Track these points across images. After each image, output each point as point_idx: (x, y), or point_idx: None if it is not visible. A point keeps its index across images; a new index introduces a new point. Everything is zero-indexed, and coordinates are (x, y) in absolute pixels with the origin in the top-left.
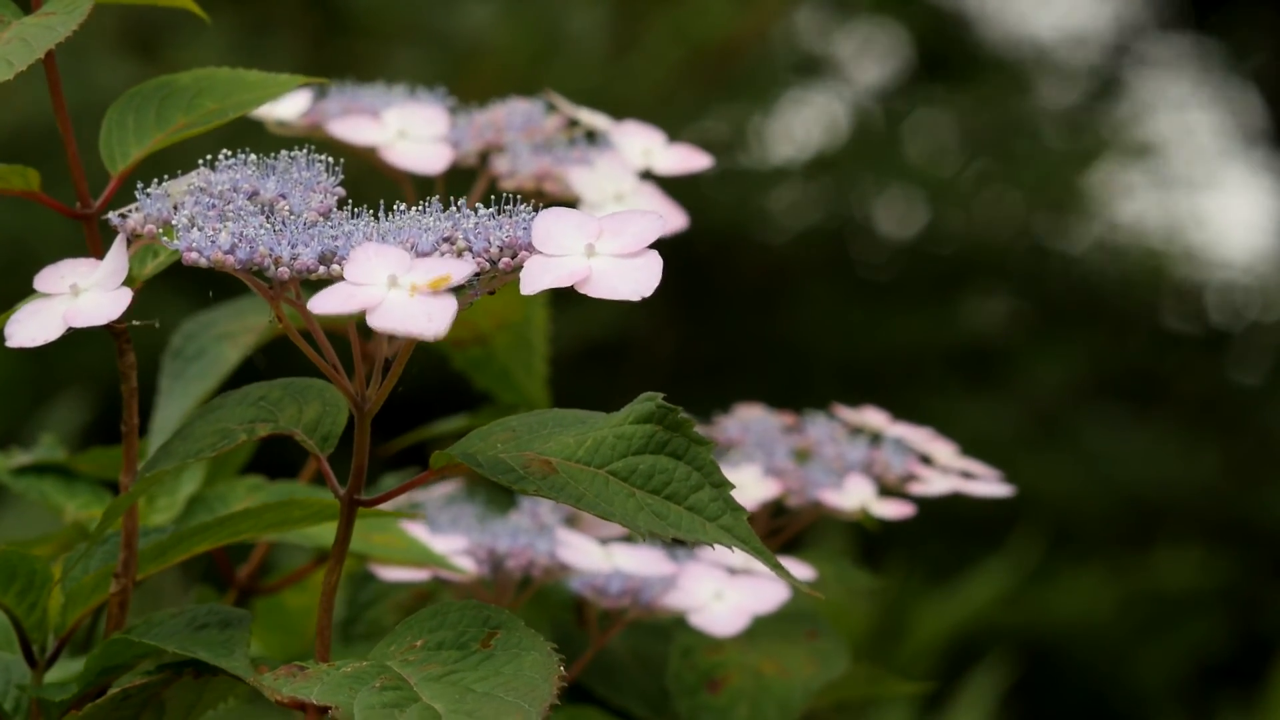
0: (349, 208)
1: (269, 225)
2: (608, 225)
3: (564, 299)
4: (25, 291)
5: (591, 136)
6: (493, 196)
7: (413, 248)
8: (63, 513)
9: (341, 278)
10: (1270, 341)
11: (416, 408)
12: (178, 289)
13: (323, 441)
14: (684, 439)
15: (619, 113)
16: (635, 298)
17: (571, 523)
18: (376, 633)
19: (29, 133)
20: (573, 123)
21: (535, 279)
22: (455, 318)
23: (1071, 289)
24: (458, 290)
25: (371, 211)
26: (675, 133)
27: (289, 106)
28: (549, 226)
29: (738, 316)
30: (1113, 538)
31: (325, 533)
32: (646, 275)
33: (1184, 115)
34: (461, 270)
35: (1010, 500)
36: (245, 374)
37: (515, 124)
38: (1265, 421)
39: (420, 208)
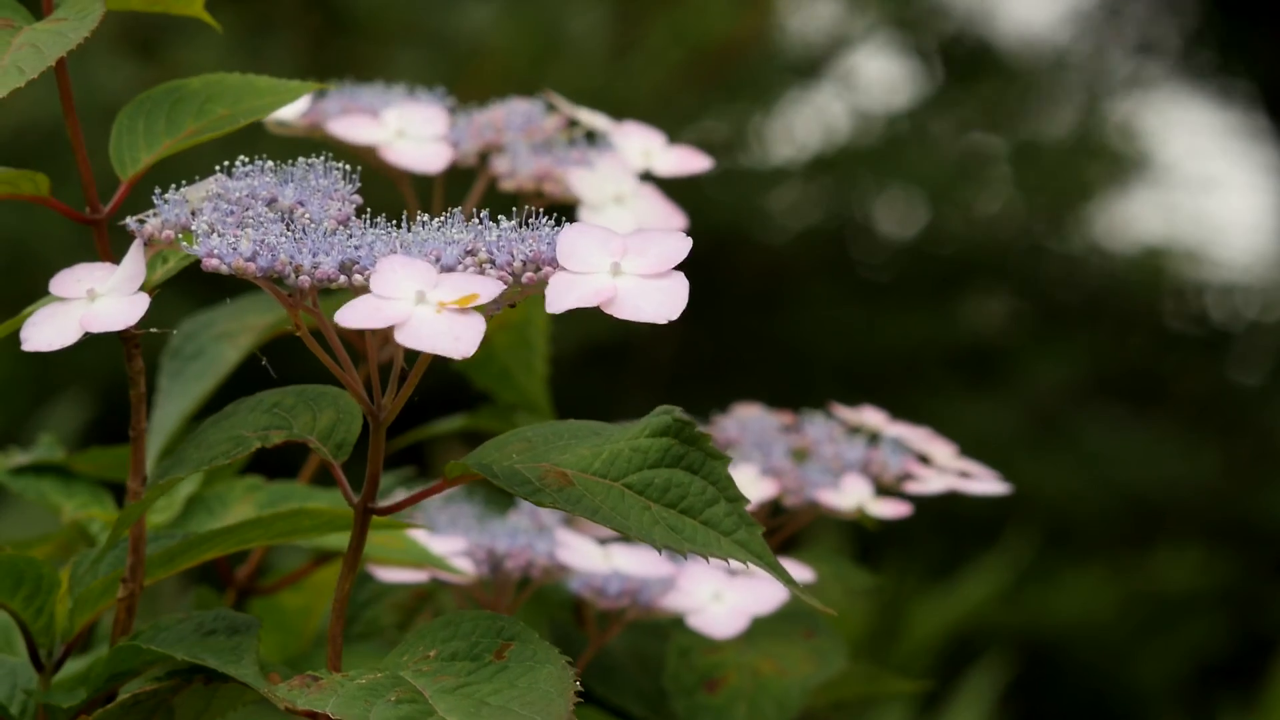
0: (367, 215)
1: (289, 233)
2: (632, 244)
3: None
4: (26, 294)
5: (591, 137)
6: (514, 208)
7: (437, 260)
8: (61, 513)
9: (362, 288)
10: (1270, 341)
11: (412, 407)
12: (182, 292)
13: (337, 449)
14: (700, 453)
15: (619, 114)
16: (661, 320)
17: (570, 523)
18: (374, 632)
19: (29, 135)
20: (572, 123)
21: (561, 297)
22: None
23: (1071, 289)
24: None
25: (394, 221)
26: (675, 133)
27: (289, 106)
28: (573, 242)
29: (738, 317)
30: (1113, 538)
31: (329, 537)
32: (673, 298)
33: (1184, 115)
34: (489, 289)
35: (1009, 500)
36: (243, 374)
37: (515, 124)
38: (1265, 421)
39: (442, 219)
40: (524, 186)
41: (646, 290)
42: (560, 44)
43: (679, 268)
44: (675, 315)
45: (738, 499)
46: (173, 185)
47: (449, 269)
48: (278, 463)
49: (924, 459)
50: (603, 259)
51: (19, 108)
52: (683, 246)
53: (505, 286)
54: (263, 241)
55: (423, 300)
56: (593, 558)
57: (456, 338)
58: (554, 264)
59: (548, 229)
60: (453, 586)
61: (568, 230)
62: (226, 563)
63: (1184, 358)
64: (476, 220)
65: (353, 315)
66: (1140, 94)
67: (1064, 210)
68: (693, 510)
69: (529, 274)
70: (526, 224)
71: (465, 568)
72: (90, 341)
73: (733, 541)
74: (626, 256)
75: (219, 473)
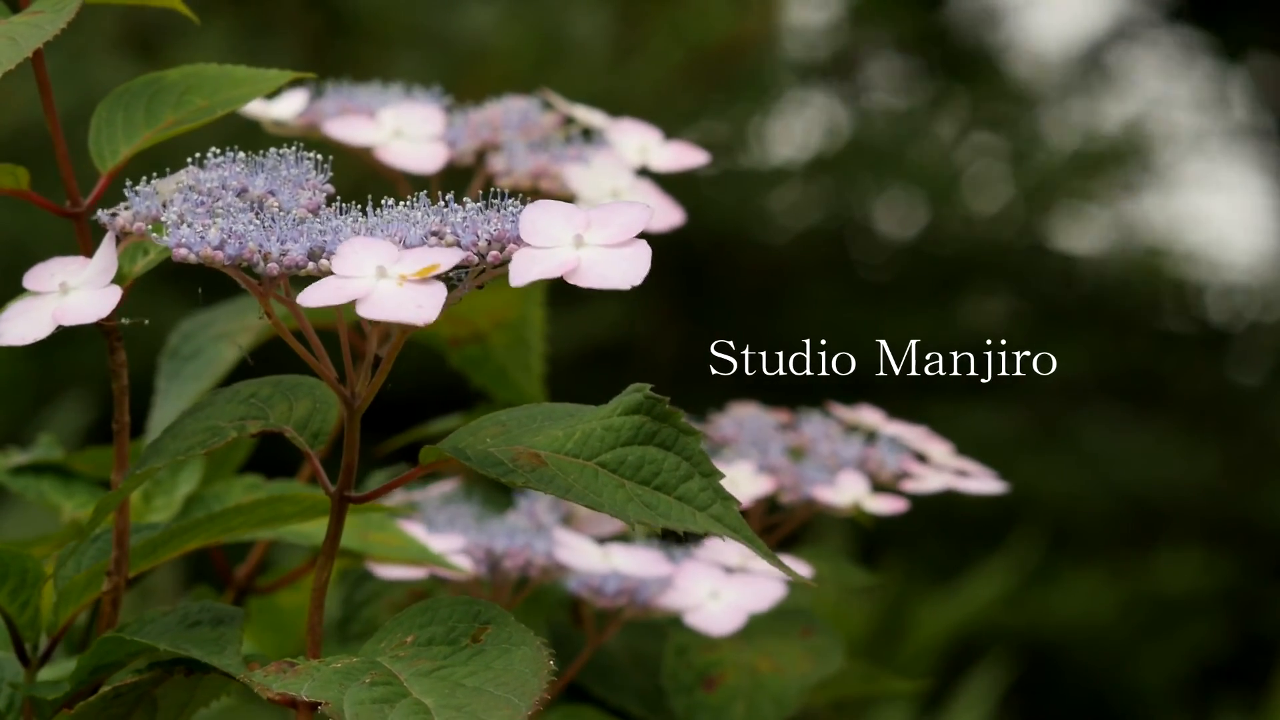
0: (338, 204)
1: (258, 222)
2: (595, 217)
3: (564, 299)
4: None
5: (588, 134)
6: (482, 193)
7: (401, 241)
8: (60, 512)
9: (330, 273)
10: (1270, 341)
11: (412, 408)
12: (181, 290)
13: (313, 438)
14: (672, 429)
15: (620, 115)
16: (625, 286)
17: (568, 522)
18: (372, 632)
19: (29, 133)
20: (569, 120)
21: (524, 270)
22: (445, 306)
23: (1071, 289)
24: (448, 283)
25: (360, 207)
26: (676, 134)
27: (285, 107)
28: (536, 219)
29: (738, 317)
30: (1114, 538)
31: (321, 531)
32: (635, 265)
33: (1184, 115)
34: (449, 258)
35: (1010, 501)
36: (242, 374)
37: (511, 122)
38: (1265, 421)
39: (408, 203)
40: (520, 184)
41: (610, 259)
42: (563, 47)
43: (641, 236)
44: (638, 280)
45: (712, 474)
46: (148, 177)
47: (412, 248)
48: (277, 463)
49: (921, 457)
50: (565, 233)
51: (18, 107)
52: (644, 215)
53: (465, 254)
54: (231, 230)
55: (384, 275)
56: (592, 557)
57: (419, 305)
58: (518, 241)
59: (512, 208)
60: (451, 585)
61: (531, 207)
62: (226, 562)
63: (1184, 358)
64: (441, 203)
65: (316, 295)
66: (1140, 94)
67: (1064, 210)
68: (667, 486)
69: (494, 253)
70: (491, 205)
71: (464, 565)
72: (92, 341)
73: (708, 516)
74: (589, 229)
75: (218, 471)
